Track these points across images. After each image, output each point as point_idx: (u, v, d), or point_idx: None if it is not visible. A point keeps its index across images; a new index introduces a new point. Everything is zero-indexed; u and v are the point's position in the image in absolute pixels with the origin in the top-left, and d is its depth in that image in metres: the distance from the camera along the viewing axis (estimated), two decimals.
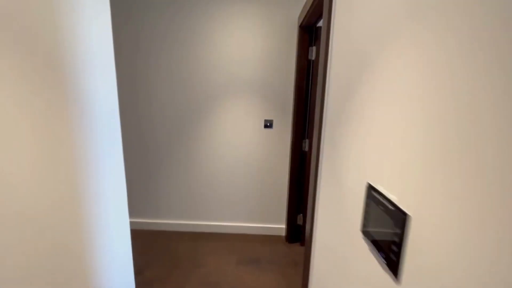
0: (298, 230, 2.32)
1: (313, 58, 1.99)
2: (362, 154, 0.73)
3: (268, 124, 2.27)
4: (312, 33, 1.96)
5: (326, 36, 1.13)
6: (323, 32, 1.18)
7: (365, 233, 0.68)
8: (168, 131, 2.31)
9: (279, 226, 2.44)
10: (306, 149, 2.15)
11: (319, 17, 1.76)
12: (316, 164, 1.26)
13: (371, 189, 0.66)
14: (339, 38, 0.98)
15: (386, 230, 0.56)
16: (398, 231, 0.51)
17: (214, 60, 2.16)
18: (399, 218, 0.51)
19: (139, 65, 2.19)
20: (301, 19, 1.88)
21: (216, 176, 2.38)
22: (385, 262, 0.56)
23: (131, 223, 2.47)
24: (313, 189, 1.30)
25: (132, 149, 2.35)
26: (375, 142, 0.65)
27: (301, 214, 2.27)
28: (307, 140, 2.14)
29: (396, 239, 0.52)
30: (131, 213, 2.47)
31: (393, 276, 0.54)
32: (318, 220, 1.24)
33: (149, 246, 2.25)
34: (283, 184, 2.37)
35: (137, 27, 2.12)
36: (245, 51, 2.14)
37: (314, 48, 1.97)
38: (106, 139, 1.02)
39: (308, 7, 1.68)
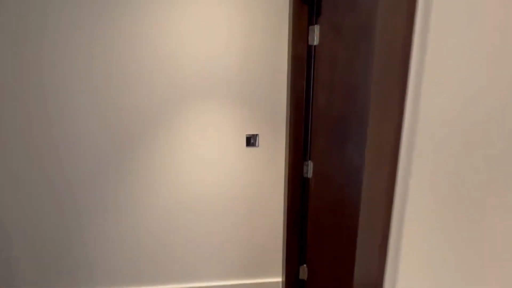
0: (301, 286, 1.66)
1: (316, 42, 1.33)
2: None
3: (252, 141, 1.58)
4: (313, 5, 1.31)
5: None
6: None
7: None
8: (98, 160, 1.50)
9: (274, 280, 1.76)
10: (309, 175, 1.49)
11: None
12: (387, 219, 0.60)
13: None
14: None
15: None
16: None
17: (164, 49, 1.41)
18: None
19: (40, 56, 1.35)
20: None
21: (179, 221, 1.62)
22: None
23: None
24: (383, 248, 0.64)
25: (37, 190, 1.50)
26: None
27: (305, 265, 1.62)
28: (310, 163, 1.49)
29: None
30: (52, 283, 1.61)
31: None
32: None
33: None
34: (276, 223, 1.69)
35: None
36: (213, 35, 1.42)
37: (317, 27, 1.32)
38: None
39: None
